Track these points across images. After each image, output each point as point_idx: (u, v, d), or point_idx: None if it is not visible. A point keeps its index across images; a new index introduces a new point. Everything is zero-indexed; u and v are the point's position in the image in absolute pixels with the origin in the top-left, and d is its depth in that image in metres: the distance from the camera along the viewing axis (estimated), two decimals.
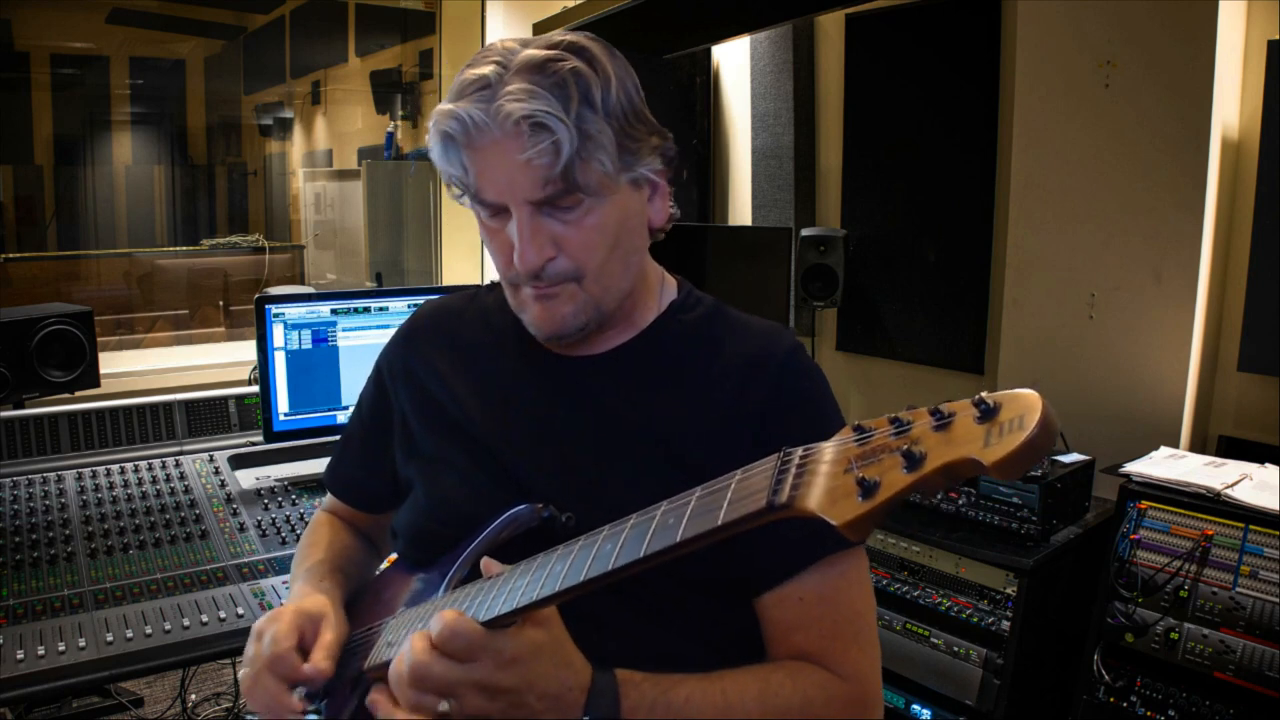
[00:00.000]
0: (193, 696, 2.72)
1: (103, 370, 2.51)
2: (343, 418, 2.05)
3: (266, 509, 1.89)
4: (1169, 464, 1.89)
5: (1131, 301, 2.32)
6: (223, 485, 1.95)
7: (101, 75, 5.89)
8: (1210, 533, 1.69)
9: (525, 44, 0.89)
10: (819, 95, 3.40)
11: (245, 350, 3.62)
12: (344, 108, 6.49)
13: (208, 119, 6.63)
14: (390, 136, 5.27)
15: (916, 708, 1.98)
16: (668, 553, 0.66)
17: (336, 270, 5.72)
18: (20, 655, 1.40)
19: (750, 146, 3.60)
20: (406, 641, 0.77)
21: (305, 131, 6.83)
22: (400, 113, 5.39)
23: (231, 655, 1.55)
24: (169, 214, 6.48)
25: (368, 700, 0.83)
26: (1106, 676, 1.78)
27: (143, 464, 1.98)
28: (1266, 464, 1.87)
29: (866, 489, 0.54)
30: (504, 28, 4.00)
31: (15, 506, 1.77)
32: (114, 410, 2.10)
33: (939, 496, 2.04)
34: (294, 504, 1.92)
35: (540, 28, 3.69)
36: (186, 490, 1.90)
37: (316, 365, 2.02)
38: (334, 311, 2.03)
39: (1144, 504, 1.79)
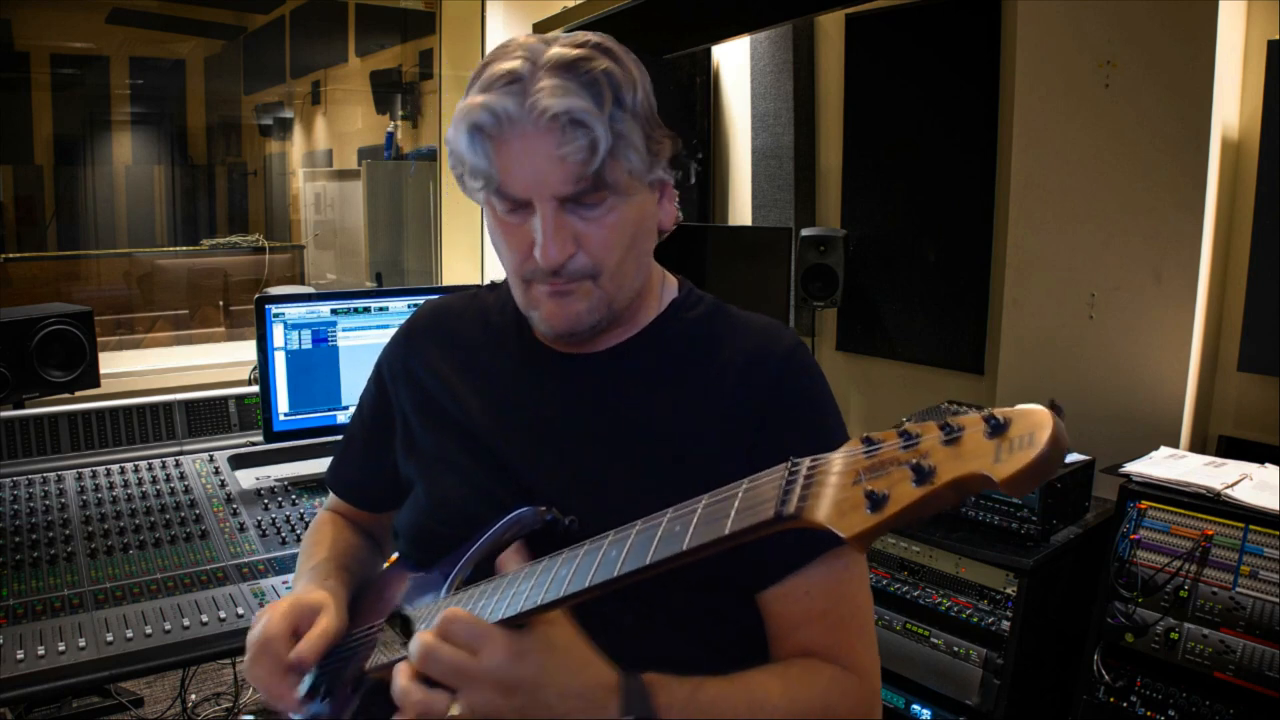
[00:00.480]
0: (193, 696, 2.72)
1: (103, 370, 2.51)
2: (343, 418, 2.05)
3: (266, 509, 1.89)
4: (1169, 464, 1.90)
5: (1131, 301, 2.32)
6: (223, 485, 1.95)
7: (101, 75, 5.90)
8: (1210, 533, 1.69)
9: (548, 41, 0.89)
10: (819, 95, 3.40)
11: (245, 350, 3.62)
12: (344, 108, 6.49)
13: (208, 119, 6.63)
14: (390, 136, 5.27)
15: (916, 708, 1.98)
16: (673, 561, 0.66)
17: (336, 270, 5.72)
18: (20, 655, 1.40)
19: (750, 146, 3.61)
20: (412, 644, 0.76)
21: (305, 131, 6.83)
22: (400, 113, 5.39)
23: (231, 655, 1.55)
24: (169, 214, 6.49)
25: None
26: (1106, 676, 1.78)
27: (143, 464, 1.98)
28: (1266, 464, 1.87)
29: (875, 501, 0.54)
30: (504, 28, 4.00)
31: (15, 506, 1.77)
32: (114, 410, 2.10)
33: None
34: (294, 504, 1.92)
35: (540, 28, 3.69)
36: (186, 490, 1.90)
37: (316, 365, 2.02)
38: (334, 311, 2.03)
39: (1144, 504, 1.79)
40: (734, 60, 3.75)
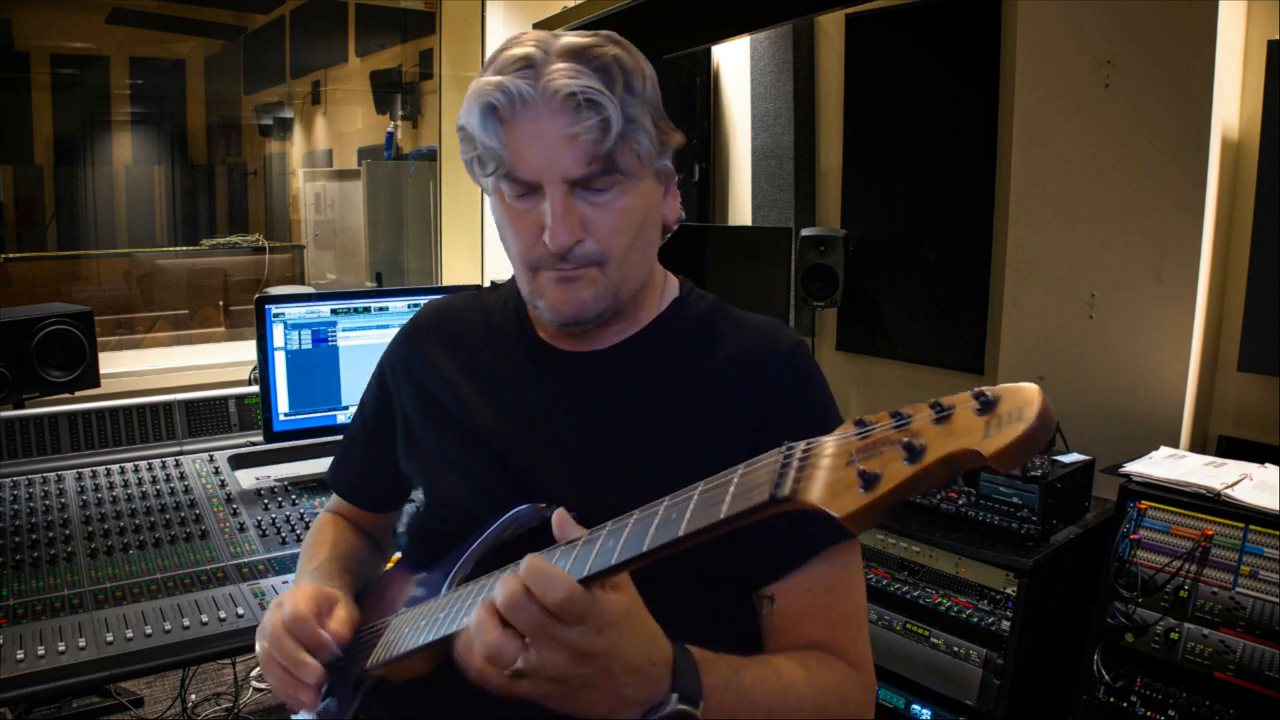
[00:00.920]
0: (193, 696, 2.72)
1: (103, 370, 2.51)
2: (343, 418, 2.05)
3: (266, 509, 1.90)
4: (1169, 464, 1.90)
5: (1131, 301, 2.32)
6: (223, 485, 1.95)
7: (101, 75, 5.90)
8: (1210, 533, 1.69)
9: (558, 34, 0.91)
10: (819, 95, 3.40)
11: (245, 350, 3.62)
12: (344, 108, 6.49)
13: (208, 119, 6.64)
14: (390, 136, 5.27)
15: (916, 708, 1.98)
16: (671, 547, 0.66)
17: (336, 270, 5.72)
18: (20, 655, 1.40)
19: (750, 146, 3.61)
20: (497, 588, 0.70)
21: (305, 131, 6.83)
22: (400, 113, 5.39)
23: (231, 655, 1.55)
24: (169, 214, 6.49)
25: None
26: (1106, 676, 1.78)
27: (143, 464, 1.98)
28: (1266, 464, 1.87)
29: (868, 481, 0.54)
30: (504, 28, 4.00)
31: (15, 506, 1.77)
32: (114, 410, 2.10)
33: (939, 496, 2.04)
34: (294, 504, 1.92)
35: (540, 28, 3.69)
36: (186, 490, 1.90)
37: (316, 365, 2.02)
38: (334, 311, 2.03)
39: (1144, 504, 1.79)
40: (734, 60, 3.75)
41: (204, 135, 6.66)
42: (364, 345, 2.06)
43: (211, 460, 2.04)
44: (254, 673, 2.72)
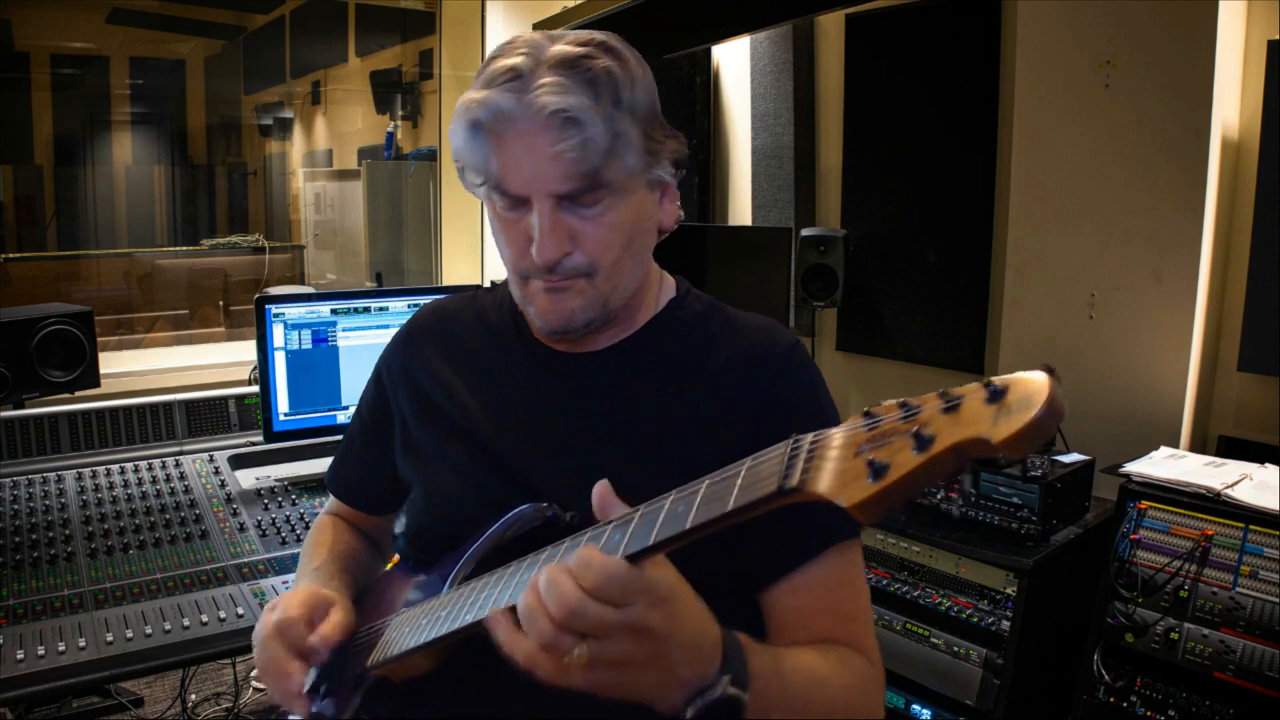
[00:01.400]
0: (193, 696, 2.72)
1: (103, 370, 2.51)
2: (343, 418, 2.05)
3: (266, 509, 1.90)
4: (1169, 464, 1.90)
5: (1131, 301, 2.32)
6: (223, 485, 1.95)
7: (101, 75, 5.90)
8: (1210, 533, 1.69)
9: (553, 39, 0.90)
10: (819, 95, 3.40)
11: (245, 350, 3.62)
12: (344, 108, 6.49)
13: (208, 119, 6.64)
14: (390, 136, 5.27)
15: (916, 708, 1.98)
16: (678, 540, 0.66)
17: (336, 270, 5.72)
18: (20, 655, 1.40)
19: (750, 146, 3.60)
20: (548, 570, 0.68)
21: (305, 131, 6.84)
22: (400, 113, 5.40)
23: (231, 655, 1.55)
24: (169, 214, 6.49)
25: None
26: (1106, 676, 1.78)
27: (143, 464, 1.98)
28: (1266, 464, 1.87)
29: (876, 470, 0.54)
30: (504, 28, 4.00)
31: (15, 506, 1.77)
32: (114, 410, 2.10)
33: (939, 496, 2.04)
34: (294, 504, 1.92)
35: (540, 27, 3.69)
36: (186, 490, 1.90)
37: (316, 365, 2.02)
38: (334, 311, 2.03)
39: (1144, 504, 1.79)
40: (734, 60, 3.75)
41: (204, 135, 6.67)
42: (364, 345, 2.06)
43: (211, 460, 2.04)
44: (254, 673, 2.72)
